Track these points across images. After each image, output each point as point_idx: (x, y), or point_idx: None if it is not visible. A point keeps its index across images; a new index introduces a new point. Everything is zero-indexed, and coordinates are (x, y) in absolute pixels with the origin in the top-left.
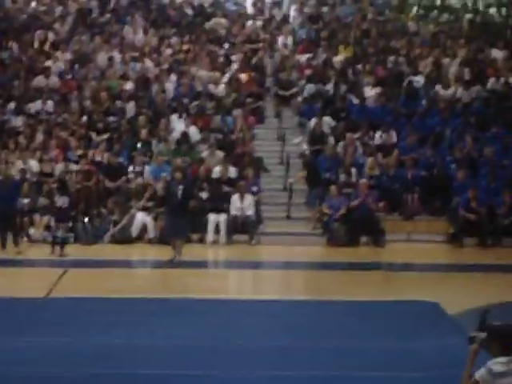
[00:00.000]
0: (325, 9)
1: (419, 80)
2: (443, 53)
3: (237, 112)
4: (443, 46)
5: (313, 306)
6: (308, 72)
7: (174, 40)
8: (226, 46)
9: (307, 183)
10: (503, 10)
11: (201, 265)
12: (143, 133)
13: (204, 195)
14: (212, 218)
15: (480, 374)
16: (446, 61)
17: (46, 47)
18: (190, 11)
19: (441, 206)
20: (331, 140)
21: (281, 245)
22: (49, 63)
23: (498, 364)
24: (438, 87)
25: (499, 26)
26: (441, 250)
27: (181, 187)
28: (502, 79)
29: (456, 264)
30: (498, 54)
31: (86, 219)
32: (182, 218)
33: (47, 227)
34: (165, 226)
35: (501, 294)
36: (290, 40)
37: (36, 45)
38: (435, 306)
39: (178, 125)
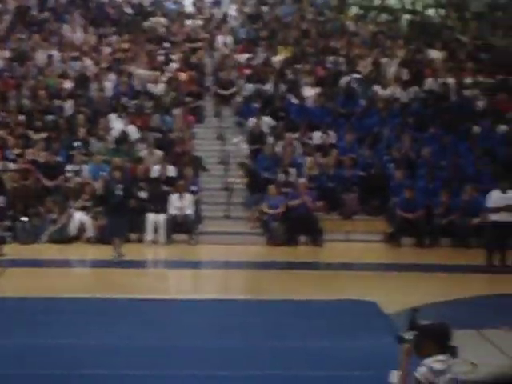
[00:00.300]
0: (264, 8)
1: (358, 77)
2: (382, 53)
3: (176, 111)
4: (382, 46)
5: (252, 306)
6: (247, 71)
7: (114, 39)
8: (166, 45)
9: (247, 189)
10: (441, 11)
11: (140, 264)
12: (82, 132)
13: (143, 194)
14: (151, 217)
15: (421, 372)
16: (384, 61)
17: None
18: (129, 10)
19: (379, 205)
20: (270, 140)
21: (220, 244)
22: None
23: (437, 362)
24: (377, 87)
25: (437, 26)
26: (379, 250)
27: (120, 186)
28: (440, 80)
29: (394, 263)
30: (436, 54)
31: (25, 218)
32: (121, 218)
33: None
34: (105, 225)
35: (438, 293)
36: (229, 39)
37: None
38: (373, 306)
39: (116, 124)
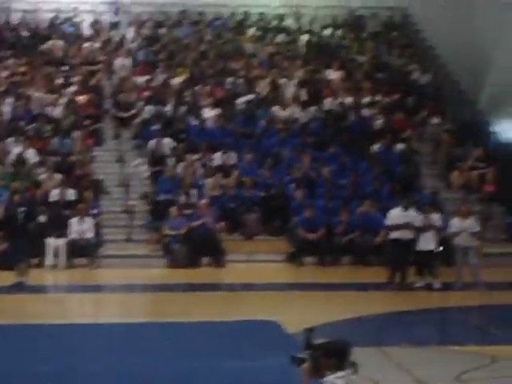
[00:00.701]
0: (162, 30)
1: (257, 98)
2: (280, 74)
3: (75, 134)
4: (280, 67)
5: (155, 328)
6: (147, 93)
7: (11, 62)
8: (64, 67)
9: (149, 211)
10: (338, 32)
11: (41, 290)
12: None
13: (42, 219)
14: (51, 241)
15: None
16: (283, 82)
17: None
18: (26, 33)
19: (280, 225)
20: (171, 161)
21: (122, 267)
22: None
23: (339, 379)
24: (276, 108)
25: (335, 47)
26: (281, 270)
27: (21, 210)
28: (338, 100)
29: (296, 283)
30: (333, 74)
31: None
32: (23, 242)
33: None
34: (6, 250)
35: (340, 311)
36: (128, 61)
37: None
38: (275, 325)
39: (15, 148)
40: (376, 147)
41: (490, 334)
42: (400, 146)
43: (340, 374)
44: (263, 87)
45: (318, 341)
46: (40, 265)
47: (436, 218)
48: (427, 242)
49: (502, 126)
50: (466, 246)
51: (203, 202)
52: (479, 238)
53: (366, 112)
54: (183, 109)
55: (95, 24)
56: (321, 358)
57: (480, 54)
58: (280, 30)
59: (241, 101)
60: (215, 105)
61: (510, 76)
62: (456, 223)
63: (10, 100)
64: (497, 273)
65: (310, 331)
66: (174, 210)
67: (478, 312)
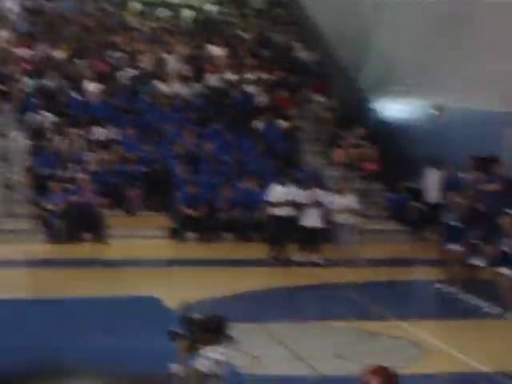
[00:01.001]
0: (45, 3)
1: (140, 73)
2: (164, 49)
3: None
4: (163, 42)
5: (33, 305)
6: (28, 66)
7: None
8: None
9: (29, 186)
10: (222, 8)
11: None
12: None
13: None
14: None
15: (206, 365)
16: (166, 57)
17: None
18: None
19: (162, 201)
20: (52, 135)
21: (1, 242)
22: None
23: (218, 353)
24: (159, 83)
25: (218, 23)
26: (163, 246)
27: None
28: (222, 76)
29: (178, 259)
30: (217, 50)
31: None
32: None
33: None
34: None
35: (222, 287)
36: (9, 34)
37: None
38: (157, 301)
39: None
40: (259, 124)
41: (368, 310)
42: (283, 123)
43: (218, 349)
44: (146, 62)
45: (196, 316)
46: None
47: (320, 194)
48: (311, 219)
49: (383, 104)
50: (346, 222)
51: (84, 176)
52: (360, 215)
53: (249, 89)
54: (65, 82)
55: None
56: (198, 332)
57: (363, 33)
58: (164, 4)
59: (124, 75)
60: (98, 79)
61: (392, 55)
62: (336, 200)
63: None
64: (377, 249)
65: (187, 306)
66: (54, 185)
67: (358, 288)
